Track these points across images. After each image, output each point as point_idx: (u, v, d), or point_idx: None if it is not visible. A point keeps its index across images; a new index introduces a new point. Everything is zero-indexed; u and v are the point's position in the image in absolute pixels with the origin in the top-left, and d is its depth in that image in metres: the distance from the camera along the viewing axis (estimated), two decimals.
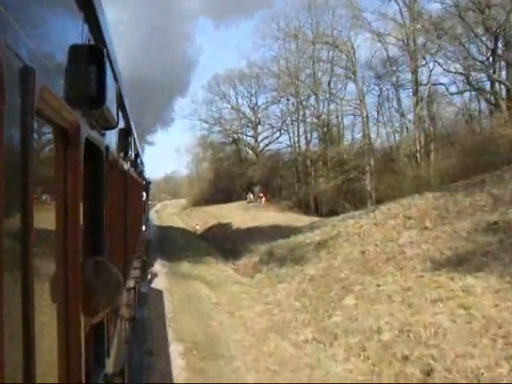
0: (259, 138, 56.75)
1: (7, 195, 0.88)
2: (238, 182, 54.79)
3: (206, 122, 57.15)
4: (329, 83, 48.27)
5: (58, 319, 1.52)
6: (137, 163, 7.09)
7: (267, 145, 56.05)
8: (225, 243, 28.78)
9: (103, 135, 2.38)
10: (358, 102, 44.08)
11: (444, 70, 37.62)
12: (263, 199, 45.85)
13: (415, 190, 23.20)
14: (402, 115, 43.34)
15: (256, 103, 56.63)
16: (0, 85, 0.85)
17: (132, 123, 5.25)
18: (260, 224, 32.12)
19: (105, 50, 1.68)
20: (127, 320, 4.82)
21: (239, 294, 13.90)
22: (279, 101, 52.98)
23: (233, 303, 12.47)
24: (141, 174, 9.77)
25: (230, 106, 57.74)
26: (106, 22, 2.21)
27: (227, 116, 58.02)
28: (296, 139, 52.04)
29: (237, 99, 57.40)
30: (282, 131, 54.44)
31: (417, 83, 39.24)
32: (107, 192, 2.50)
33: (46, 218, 1.40)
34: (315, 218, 33.36)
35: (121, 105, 3.45)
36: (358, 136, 47.46)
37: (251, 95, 56.53)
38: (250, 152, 57.73)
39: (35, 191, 1.05)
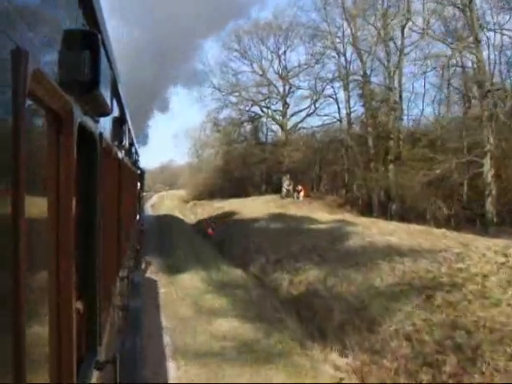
0: (289, 112, 42.39)
1: None
2: (257, 171, 43.82)
3: (219, 89, 42.97)
4: (402, 30, 32.42)
5: (50, 307, 1.51)
6: (131, 152, 7.05)
7: (302, 120, 41.38)
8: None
9: (97, 122, 2.36)
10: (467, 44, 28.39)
11: None
12: (301, 193, 34.95)
13: None
14: None
15: (285, 67, 42.08)
16: None
17: (127, 111, 5.20)
18: None
19: (99, 36, 1.66)
20: (120, 309, 4.82)
21: None
22: (318, 61, 38.59)
23: None
24: (135, 163, 9.73)
25: (250, 68, 43.14)
26: (100, 8, 2.18)
27: (247, 83, 43.68)
28: (346, 111, 37.99)
29: (261, 61, 42.70)
30: (323, 101, 40.15)
31: None
32: (101, 180, 2.48)
33: (37, 204, 1.39)
34: (404, 226, 19.17)
35: (115, 92, 3.43)
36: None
37: (279, 56, 42.04)
38: (277, 131, 44.23)
39: (26, 176, 1.03)
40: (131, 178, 8.45)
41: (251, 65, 43.07)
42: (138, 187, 14.24)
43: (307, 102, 40.87)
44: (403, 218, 25.01)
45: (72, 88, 1.55)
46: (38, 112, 1.34)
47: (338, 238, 16.77)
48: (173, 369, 7.21)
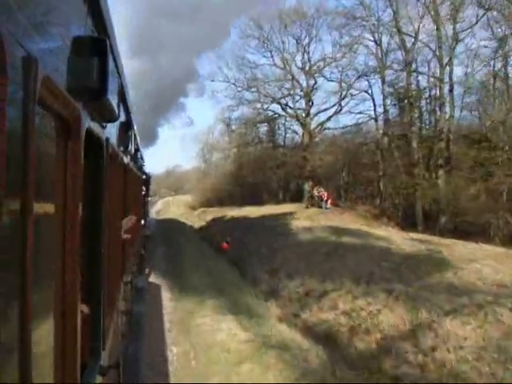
0: (312, 112, 36.43)
1: (8, 183, 0.88)
2: (273, 176, 38.71)
3: (234, 84, 37.29)
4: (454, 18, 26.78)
5: (55, 311, 1.52)
6: (137, 157, 7.09)
7: (328, 119, 35.42)
8: None
9: (104, 127, 2.38)
10: None
11: None
12: (328, 201, 28.76)
13: None
14: None
15: (309, 59, 35.97)
16: (3, 73, 0.84)
17: (133, 117, 5.24)
18: None
19: (107, 43, 1.68)
20: (123, 313, 4.82)
21: None
22: (349, 51, 32.72)
23: None
24: (141, 168, 9.77)
25: (270, 61, 37.39)
26: (109, 15, 2.21)
27: (266, 78, 37.55)
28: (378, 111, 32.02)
29: (282, 53, 36.46)
30: (354, 98, 34.07)
31: None
32: (106, 185, 2.49)
33: (44, 208, 1.40)
34: (477, 247, 15.84)
35: (122, 98, 3.45)
36: None
37: (303, 46, 36.03)
38: (296, 133, 38.49)
39: (35, 180, 1.04)
40: (136, 182, 8.48)
41: (271, 57, 36.92)
42: (144, 192, 14.30)
43: (333, 100, 34.93)
44: (455, 233, 20.84)
45: (80, 94, 1.56)
46: (47, 118, 1.36)
47: (411, 261, 12.95)
48: None
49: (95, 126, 2.05)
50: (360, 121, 33.77)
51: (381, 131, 31.66)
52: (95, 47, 1.61)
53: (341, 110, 34.74)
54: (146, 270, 14.36)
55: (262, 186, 39.55)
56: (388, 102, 31.69)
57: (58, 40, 1.37)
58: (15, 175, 0.95)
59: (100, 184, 2.33)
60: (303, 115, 36.03)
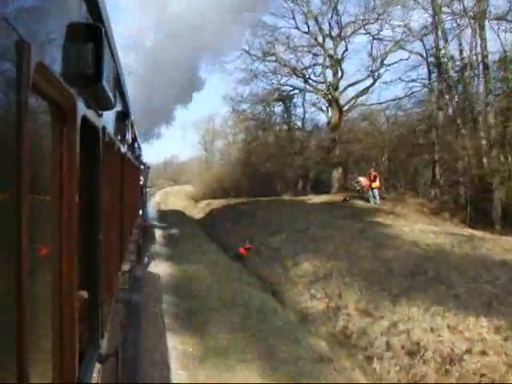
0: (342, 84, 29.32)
1: (2, 170, 0.87)
2: (290, 166, 32.36)
3: (248, 52, 30.50)
4: None
5: (53, 300, 1.52)
6: (134, 147, 7.06)
7: (364, 91, 28.56)
8: None
9: (100, 116, 2.36)
10: None
11: None
12: (375, 192, 20.77)
13: None
14: None
15: (340, 21, 28.69)
16: None
17: (129, 106, 5.21)
18: None
19: (102, 29, 1.66)
20: (122, 302, 4.84)
21: None
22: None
23: None
24: (138, 157, 9.74)
25: (291, 24, 29.92)
26: (104, 1, 2.18)
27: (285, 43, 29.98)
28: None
29: (307, 13, 29.26)
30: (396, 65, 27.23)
31: None
32: (103, 174, 2.48)
33: (40, 196, 1.39)
34: None
35: (118, 86, 3.43)
36: None
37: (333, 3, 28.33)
38: (312, 113, 32.23)
39: (30, 168, 1.04)
40: (134, 172, 8.47)
41: (293, 18, 29.43)
42: (142, 182, 14.30)
43: (363, 72, 28.32)
44: None
45: (75, 81, 1.55)
46: (41, 104, 1.34)
47: None
48: None
49: (91, 114, 2.03)
50: (397, 96, 26.94)
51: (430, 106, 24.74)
52: (90, 33, 1.59)
53: (376, 80, 27.78)
54: (145, 260, 14.43)
55: (276, 175, 33.49)
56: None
57: (52, 26, 1.36)
58: (9, 163, 0.95)
59: (97, 173, 2.33)
60: (330, 89, 28.98)
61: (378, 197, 20.52)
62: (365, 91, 28.67)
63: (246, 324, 8.37)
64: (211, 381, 6.07)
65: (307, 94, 31.68)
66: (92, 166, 2.27)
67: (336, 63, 29.20)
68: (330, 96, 29.16)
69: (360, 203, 20.62)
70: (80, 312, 1.78)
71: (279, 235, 16.06)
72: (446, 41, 23.84)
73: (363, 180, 21.17)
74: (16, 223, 0.97)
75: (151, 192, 47.26)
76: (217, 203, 32.13)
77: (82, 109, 1.72)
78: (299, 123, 33.74)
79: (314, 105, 31.93)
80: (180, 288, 10.74)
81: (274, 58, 30.54)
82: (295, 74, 30.92)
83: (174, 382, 6.10)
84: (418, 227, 14.97)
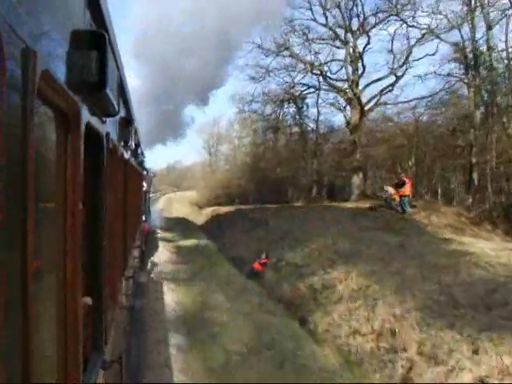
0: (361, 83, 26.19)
1: (7, 176, 0.88)
2: (303, 171, 30.23)
3: (260, 47, 27.68)
4: None
5: (57, 306, 1.52)
6: (137, 153, 7.08)
7: (390, 87, 25.37)
8: None
9: (104, 122, 2.37)
10: None
11: None
12: (405, 200, 17.79)
13: None
14: None
15: (362, 13, 25.65)
16: (2, 65, 0.84)
17: (133, 112, 5.23)
18: None
19: (107, 37, 1.67)
20: (126, 308, 4.84)
21: None
22: None
23: None
24: (141, 163, 9.77)
25: (307, 16, 26.76)
26: (107, 9, 2.20)
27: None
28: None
29: (325, 4, 25.85)
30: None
31: None
32: (107, 180, 2.49)
33: (45, 202, 1.40)
34: None
35: (122, 93, 3.45)
36: None
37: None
38: (325, 115, 29.48)
39: (35, 174, 1.04)
40: (137, 178, 8.49)
41: (310, 9, 26.38)
42: (145, 188, 14.35)
43: (385, 69, 25.72)
44: None
45: (79, 88, 1.56)
46: (46, 111, 1.35)
47: None
48: None
49: (95, 121, 2.04)
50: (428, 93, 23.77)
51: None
52: (94, 41, 1.60)
53: (399, 77, 24.92)
54: (148, 266, 14.42)
55: (288, 181, 30.89)
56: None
57: (56, 33, 1.37)
58: (15, 169, 0.95)
59: (100, 179, 2.33)
60: (352, 85, 26.10)
61: (408, 205, 17.55)
62: (389, 88, 25.52)
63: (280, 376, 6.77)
64: None
65: (322, 94, 29.12)
66: (96, 172, 2.28)
67: (356, 59, 26.12)
68: (349, 94, 26.17)
69: (389, 212, 17.63)
70: (84, 318, 1.78)
71: (299, 248, 13.73)
72: (490, 28, 20.13)
73: (391, 189, 18.64)
74: (22, 228, 0.98)
75: (154, 197, 46.21)
76: (223, 210, 29.52)
77: (85, 116, 1.73)
78: (312, 125, 31.04)
79: (332, 104, 28.72)
80: (190, 323, 8.70)
81: (288, 52, 27.50)
82: (311, 72, 27.95)
83: None
84: (466, 240, 12.58)
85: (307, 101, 30.22)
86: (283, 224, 17.75)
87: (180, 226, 27.41)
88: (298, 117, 30.71)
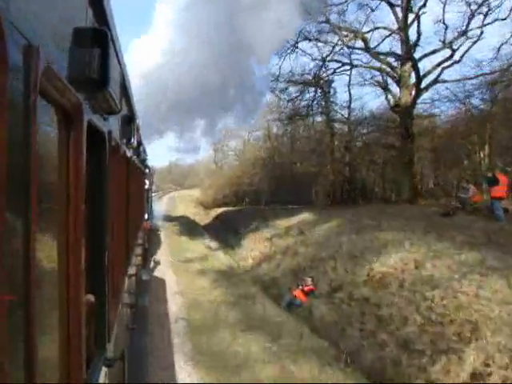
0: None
1: (10, 175, 0.88)
2: (330, 166, 25.23)
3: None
4: None
5: (60, 303, 1.52)
6: (139, 151, 7.08)
7: (460, 57, 19.76)
8: None
9: (106, 120, 2.37)
10: None
11: None
12: (497, 203, 12.94)
13: None
14: None
15: None
16: (4, 61, 0.84)
17: (135, 109, 5.23)
18: None
19: (109, 34, 1.67)
20: (128, 306, 4.85)
21: None
22: None
23: None
24: (143, 161, 9.78)
25: None
26: (110, 7, 2.19)
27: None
28: None
29: None
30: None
31: None
32: (109, 178, 2.49)
33: (48, 200, 1.40)
34: None
35: (124, 90, 3.44)
36: None
37: None
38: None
39: (37, 172, 1.04)
40: (139, 176, 8.49)
41: None
42: (147, 186, 14.38)
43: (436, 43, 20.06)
44: None
45: (82, 85, 1.55)
46: (48, 109, 1.35)
47: None
48: None
49: (97, 119, 2.04)
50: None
51: None
52: (96, 38, 1.60)
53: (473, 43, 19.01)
54: (151, 264, 14.46)
55: (311, 178, 26.03)
56: None
57: (59, 30, 1.37)
58: (18, 166, 0.95)
59: (103, 177, 2.33)
60: (399, 59, 21.12)
61: (501, 210, 13.17)
62: (449, 61, 20.18)
63: None
64: None
65: (353, 76, 24.23)
66: (98, 170, 2.28)
67: (405, 26, 20.66)
68: (397, 70, 21.30)
69: (471, 219, 13.06)
70: (87, 316, 1.78)
71: (361, 272, 9.60)
72: None
73: (472, 188, 14.96)
74: (25, 226, 0.98)
75: (157, 196, 43.34)
76: (234, 211, 25.46)
77: (88, 113, 1.73)
78: (341, 113, 25.91)
79: (378, 82, 23.06)
80: None
81: (323, 17, 22.34)
82: (346, 45, 22.52)
83: None
84: None
85: (333, 84, 25.86)
86: (322, 233, 13.49)
87: (186, 231, 22.99)
88: (323, 103, 25.66)
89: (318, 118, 27.21)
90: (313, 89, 25.07)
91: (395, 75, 21.64)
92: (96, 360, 2.18)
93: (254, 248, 16.56)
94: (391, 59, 22.10)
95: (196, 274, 12.99)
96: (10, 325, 0.88)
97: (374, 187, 25.17)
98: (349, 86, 24.93)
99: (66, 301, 1.55)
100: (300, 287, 10.66)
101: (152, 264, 14.58)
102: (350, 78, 24.75)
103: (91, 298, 2.17)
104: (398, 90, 21.77)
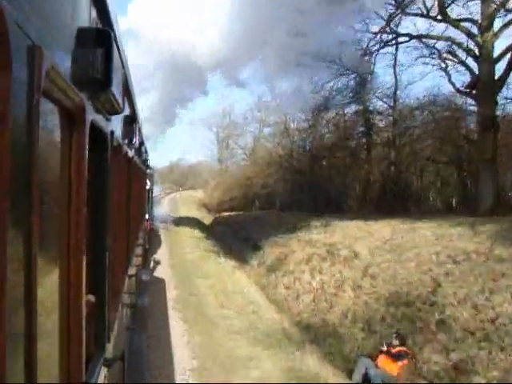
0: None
1: (13, 174, 0.88)
2: (363, 166, 21.58)
3: None
4: None
5: (60, 304, 1.52)
6: (141, 151, 7.09)
7: None
8: None
9: (108, 120, 2.37)
10: None
11: None
12: None
13: None
14: None
15: None
16: (8, 61, 0.84)
17: (137, 109, 5.24)
18: None
19: (112, 34, 1.67)
20: (128, 306, 4.85)
21: None
22: None
23: None
24: (145, 161, 9.79)
25: None
26: (113, 7, 2.20)
27: None
28: None
29: None
30: None
31: None
32: (111, 178, 2.49)
33: (50, 200, 1.40)
34: None
35: (127, 91, 3.45)
36: None
37: None
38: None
39: (40, 172, 1.04)
40: (141, 176, 8.50)
41: None
42: (148, 186, 14.40)
43: None
44: None
45: (85, 86, 1.56)
46: (51, 109, 1.35)
47: None
48: None
49: (100, 119, 2.04)
50: None
51: None
52: (100, 38, 1.60)
53: None
54: (151, 264, 14.46)
55: (339, 181, 21.71)
56: None
57: (62, 31, 1.37)
58: (20, 166, 0.95)
59: (105, 177, 2.34)
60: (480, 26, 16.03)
61: None
62: None
63: None
64: None
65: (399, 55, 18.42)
66: (100, 170, 2.28)
67: None
68: (478, 39, 16.13)
69: None
70: (87, 316, 1.78)
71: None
72: None
73: None
74: (26, 226, 0.98)
75: (158, 197, 40.20)
76: (246, 216, 20.47)
77: (91, 113, 1.73)
78: (384, 101, 20.28)
79: (453, 55, 17.66)
80: None
81: None
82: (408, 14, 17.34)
83: None
84: None
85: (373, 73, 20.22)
86: (385, 261, 8.99)
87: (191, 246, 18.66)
88: (358, 91, 20.69)
89: (348, 110, 22.10)
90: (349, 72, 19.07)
91: (470, 48, 16.62)
92: (95, 360, 2.17)
93: (293, 271, 11.18)
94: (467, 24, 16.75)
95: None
96: (10, 325, 0.88)
97: (429, 192, 20.03)
98: (394, 68, 18.91)
99: (66, 301, 1.55)
100: (385, 347, 6.75)
101: (152, 264, 14.59)
102: (395, 56, 18.65)
103: (91, 298, 2.17)
104: (464, 70, 16.80)
